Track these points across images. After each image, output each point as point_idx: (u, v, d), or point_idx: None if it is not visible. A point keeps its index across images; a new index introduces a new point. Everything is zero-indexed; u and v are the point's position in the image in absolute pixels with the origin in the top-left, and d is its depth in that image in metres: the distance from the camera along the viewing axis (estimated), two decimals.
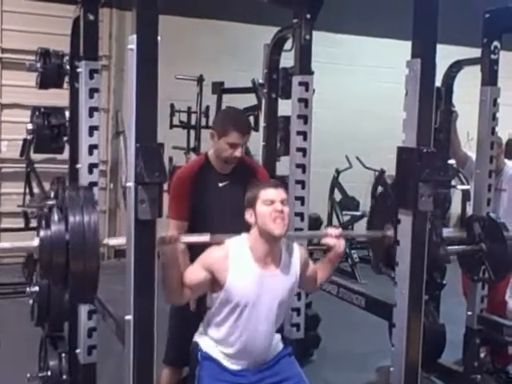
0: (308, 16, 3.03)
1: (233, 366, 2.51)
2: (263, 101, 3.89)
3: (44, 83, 3.29)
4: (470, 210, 3.77)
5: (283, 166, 3.58)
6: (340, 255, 2.67)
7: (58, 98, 3.70)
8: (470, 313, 3.46)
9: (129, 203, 2.11)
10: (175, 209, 3.02)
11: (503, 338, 3.46)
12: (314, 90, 3.13)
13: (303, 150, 3.10)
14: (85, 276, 2.01)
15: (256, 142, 3.74)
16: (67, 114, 3.28)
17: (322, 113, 5.60)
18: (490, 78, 3.36)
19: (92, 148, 2.88)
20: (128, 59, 2.11)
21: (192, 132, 6.82)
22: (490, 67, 3.35)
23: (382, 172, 7.05)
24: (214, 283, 2.44)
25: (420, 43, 2.53)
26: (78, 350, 3.01)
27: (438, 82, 3.92)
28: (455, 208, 7.36)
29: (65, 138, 3.28)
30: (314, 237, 2.93)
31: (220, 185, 3.06)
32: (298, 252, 2.59)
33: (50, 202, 2.52)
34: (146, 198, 2.04)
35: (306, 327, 3.27)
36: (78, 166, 2.93)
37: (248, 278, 2.44)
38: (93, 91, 2.87)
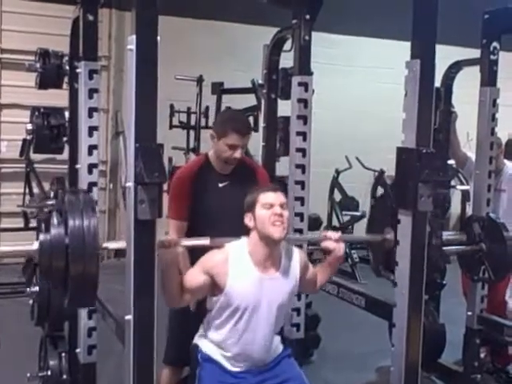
0: (307, 16, 3.03)
1: (233, 367, 2.52)
2: (263, 101, 3.88)
3: (43, 83, 3.28)
4: (469, 211, 3.77)
5: (283, 167, 3.58)
6: (340, 259, 2.65)
7: (57, 98, 3.70)
8: (469, 313, 3.46)
9: (128, 203, 2.11)
10: (175, 209, 3.02)
11: (503, 338, 3.46)
12: (313, 91, 3.13)
13: (303, 151, 3.10)
14: (84, 280, 2.01)
15: (256, 143, 3.74)
16: (67, 114, 3.28)
17: (322, 113, 5.58)
18: (489, 79, 3.36)
19: (91, 148, 2.88)
20: (127, 59, 2.11)
21: (192, 132, 6.81)
22: (489, 68, 3.35)
23: (382, 172, 7.05)
24: (214, 287, 2.45)
25: (419, 44, 2.53)
26: (77, 350, 3.01)
27: (438, 83, 3.93)
28: (455, 208, 7.39)
29: (64, 139, 3.28)
30: (314, 240, 2.93)
31: (220, 185, 3.07)
32: (298, 255, 2.59)
33: (50, 203, 2.53)
34: (145, 199, 2.05)
35: (306, 327, 3.26)
36: (78, 166, 2.93)
37: (248, 282, 2.44)
38: (92, 91, 2.86)
